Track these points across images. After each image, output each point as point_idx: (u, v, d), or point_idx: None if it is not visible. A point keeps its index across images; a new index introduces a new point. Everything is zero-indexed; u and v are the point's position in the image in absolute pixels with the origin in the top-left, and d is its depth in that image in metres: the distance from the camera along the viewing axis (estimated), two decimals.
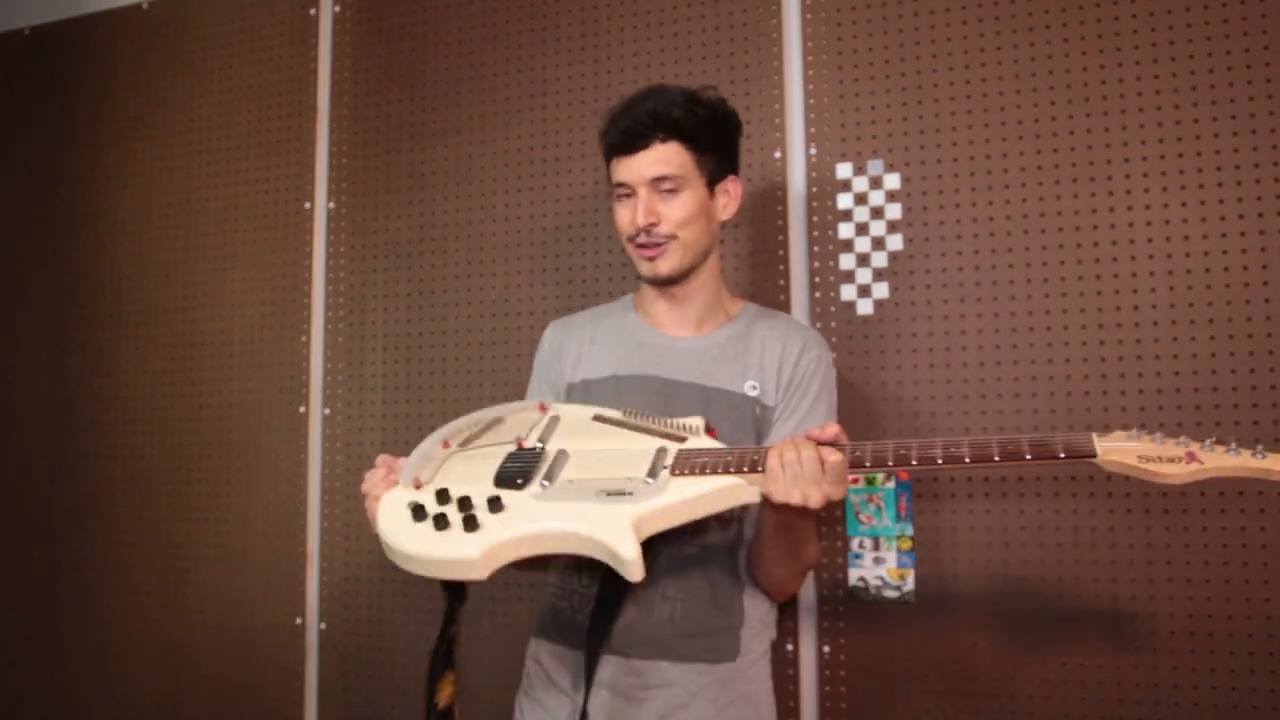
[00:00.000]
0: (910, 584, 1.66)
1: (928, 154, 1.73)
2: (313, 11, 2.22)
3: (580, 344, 1.52)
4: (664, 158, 1.39)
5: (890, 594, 1.67)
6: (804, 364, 1.44)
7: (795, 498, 1.16)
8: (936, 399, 1.68)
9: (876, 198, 1.75)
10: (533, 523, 1.21)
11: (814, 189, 1.79)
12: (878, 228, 1.75)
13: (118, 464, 2.29)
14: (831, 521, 1.71)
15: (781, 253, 1.80)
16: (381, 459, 1.36)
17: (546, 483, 1.26)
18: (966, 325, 1.68)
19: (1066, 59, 1.66)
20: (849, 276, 1.76)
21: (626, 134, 1.40)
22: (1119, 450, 1.08)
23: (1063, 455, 1.10)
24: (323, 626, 2.07)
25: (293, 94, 2.22)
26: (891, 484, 1.68)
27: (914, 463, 1.16)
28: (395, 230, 2.10)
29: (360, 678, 2.03)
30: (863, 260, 1.75)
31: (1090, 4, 1.65)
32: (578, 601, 1.42)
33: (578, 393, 1.48)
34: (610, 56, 1.95)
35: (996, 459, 1.12)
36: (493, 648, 1.91)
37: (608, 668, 1.36)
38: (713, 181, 1.44)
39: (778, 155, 1.82)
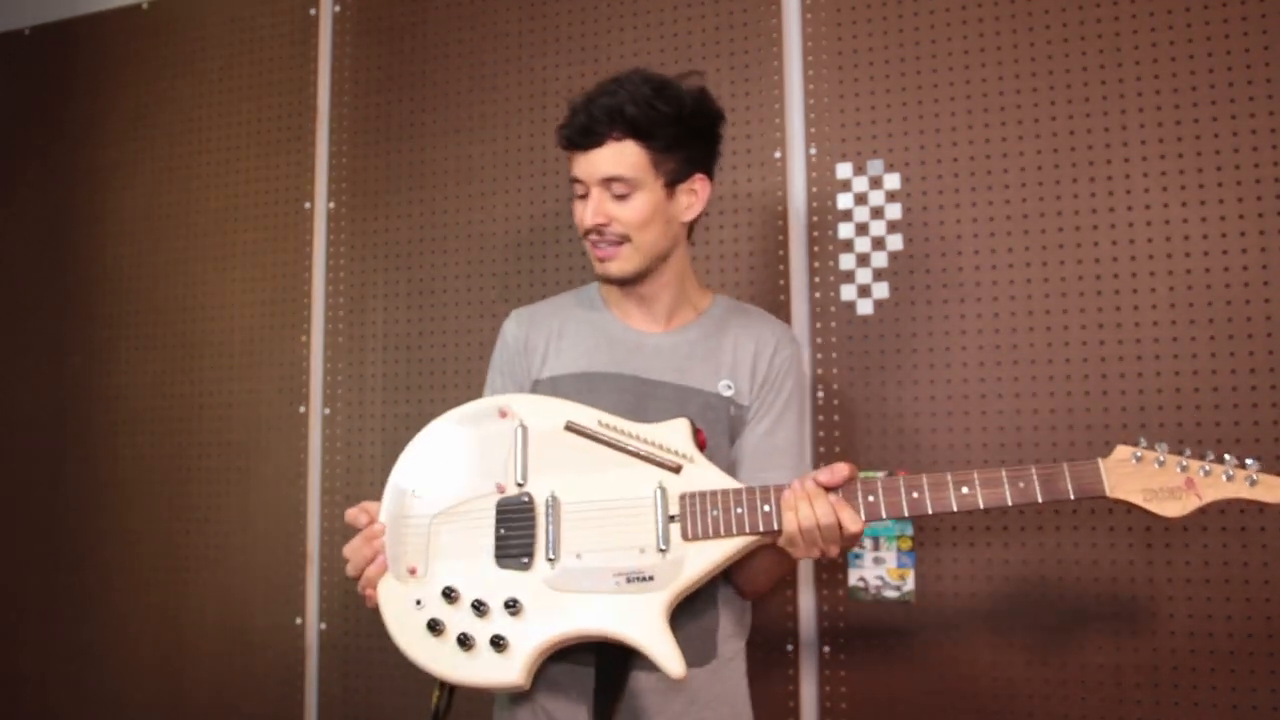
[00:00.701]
0: (910, 584, 1.66)
1: (928, 154, 1.73)
2: (313, 11, 2.22)
3: (547, 338, 1.45)
4: (617, 157, 1.33)
5: (890, 594, 1.67)
6: (778, 362, 1.41)
7: (815, 555, 1.21)
8: (936, 399, 1.68)
9: (876, 198, 1.75)
10: (559, 625, 1.21)
11: (814, 189, 1.79)
12: (878, 228, 1.75)
13: (118, 464, 2.29)
14: None
15: (781, 252, 1.80)
16: (352, 517, 1.31)
17: (552, 557, 1.24)
18: (966, 325, 1.68)
19: (1066, 59, 1.66)
20: (849, 276, 1.76)
21: (581, 130, 1.33)
22: (1124, 486, 1.15)
23: (1073, 495, 1.16)
24: (323, 626, 2.07)
25: (293, 94, 2.22)
26: None
27: (929, 510, 1.19)
28: (395, 230, 2.10)
29: (360, 678, 2.03)
30: (863, 260, 1.75)
31: (1090, 4, 1.65)
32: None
33: (545, 389, 1.41)
34: (610, 56, 1.95)
35: (1009, 503, 1.18)
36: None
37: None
38: (674, 182, 1.36)
39: (778, 155, 1.82)
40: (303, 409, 2.13)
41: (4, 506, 2.42)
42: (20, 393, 2.43)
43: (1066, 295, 1.63)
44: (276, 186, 2.21)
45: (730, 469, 1.35)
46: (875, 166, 1.76)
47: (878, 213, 1.75)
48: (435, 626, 1.22)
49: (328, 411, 2.11)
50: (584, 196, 1.37)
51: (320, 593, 2.08)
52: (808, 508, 1.18)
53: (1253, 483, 1.12)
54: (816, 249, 1.78)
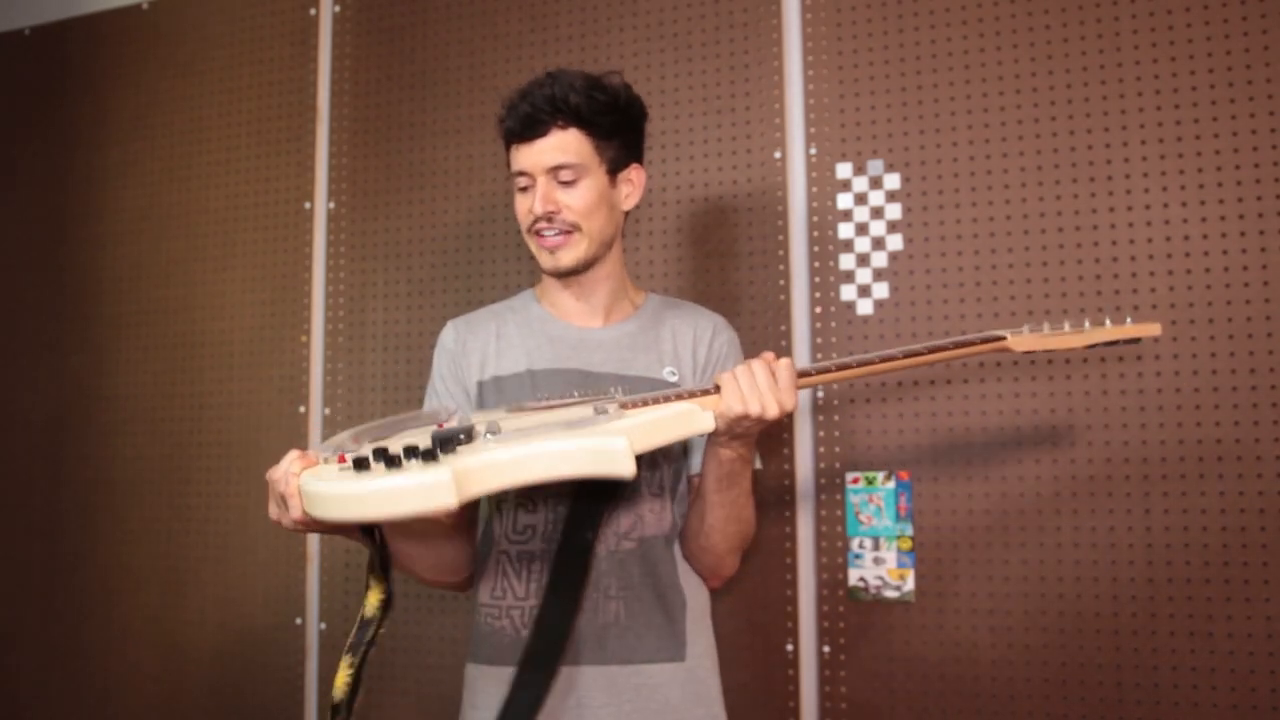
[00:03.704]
0: (910, 584, 1.66)
1: (928, 154, 1.73)
2: (313, 11, 2.22)
3: (485, 341, 1.45)
4: (563, 145, 1.35)
5: (890, 594, 1.67)
6: (717, 347, 1.45)
7: (754, 408, 1.19)
8: (936, 399, 1.68)
9: (876, 198, 1.75)
10: (501, 451, 1.08)
11: (814, 189, 1.79)
12: (878, 228, 1.75)
13: (118, 464, 2.29)
14: (832, 521, 1.71)
15: (781, 253, 1.80)
16: (289, 460, 1.18)
17: (493, 435, 1.14)
18: (966, 325, 1.68)
19: (1066, 59, 1.66)
20: (849, 276, 1.76)
21: (525, 120, 1.35)
22: (1024, 343, 1.23)
23: (979, 343, 1.23)
24: (323, 626, 2.07)
25: (293, 94, 2.22)
26: (892, 484, 1.69)
27: (854, 366, 1.23)
28: (395, 230, 2.10)
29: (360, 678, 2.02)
30: (863, 260, 1.75)
31: (1090, 4, 1.66)
32: (519, 618, 1.36)
33: (489, 390, 1.41)
34: (610, 56, 1.95)
35: (925, 358, 1.22)
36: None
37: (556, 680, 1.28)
38: (614, 170, 1.40)
39: (778, 155, 1.82)
40: (303, 409, 2.13)
41: (4, 506, 2.42)
42: (20, 393, 2.43)
43: (1066, 295, 1.63)
44: (276, 186, 2.22)
45: (682, 452, 1.40)
46: (875, 166, 1.76)
47: (878, 213, 1.75)
48: (360, 464, 1.06)
49: (328, 411, 2.11)
50: (526, 189, 1.39)
51: (320, 593, 2.08)
52: (743, 368, 1.21)
53: (1130, 323, 1.24)
54: (816, 249, 1.78)
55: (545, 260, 1.40)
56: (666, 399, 1.21)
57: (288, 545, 2.11)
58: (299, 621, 2.09)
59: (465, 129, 2.06)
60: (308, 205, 2.18)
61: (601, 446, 1.09)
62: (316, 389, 2.13)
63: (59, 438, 2.37)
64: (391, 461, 1.05)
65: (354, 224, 2.14)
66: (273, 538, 2.13)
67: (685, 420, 1.21)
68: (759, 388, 1.19)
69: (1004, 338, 1.22)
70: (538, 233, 1.38)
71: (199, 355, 2.25)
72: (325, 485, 1.07)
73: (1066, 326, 1.23)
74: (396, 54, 2.13)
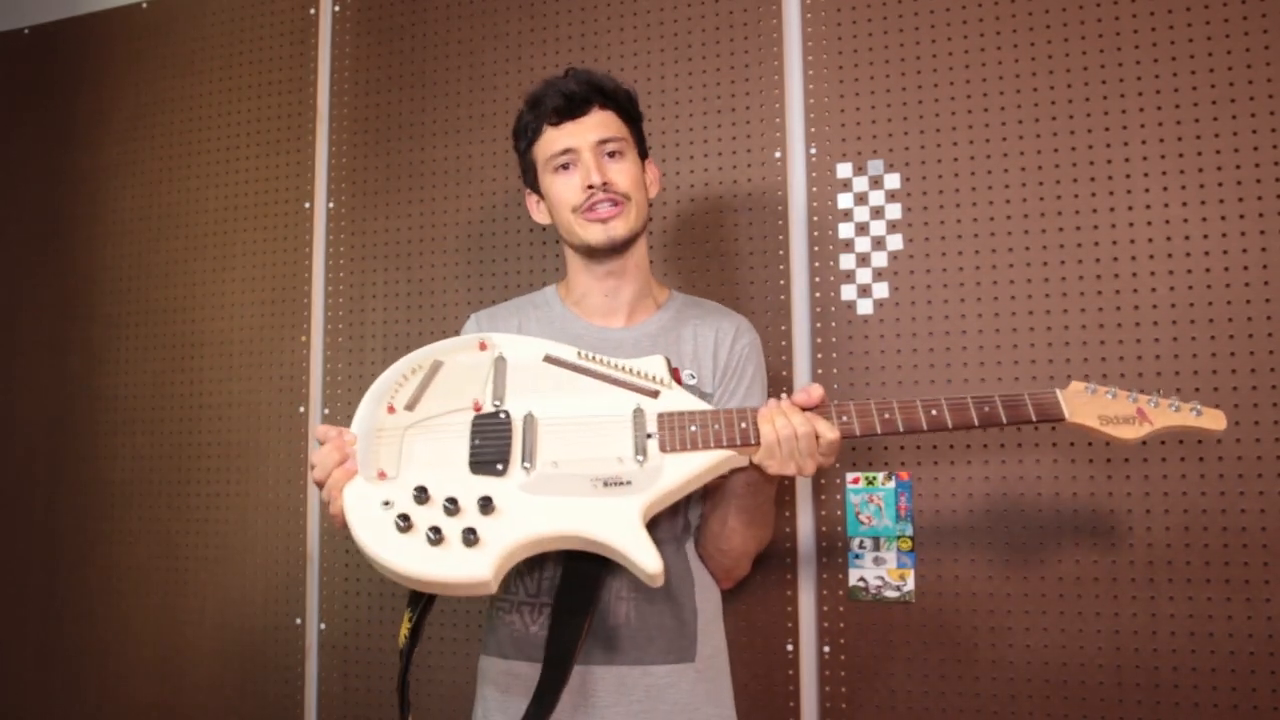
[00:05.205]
0: (910, 584, 1.66)
1: (928, 154, 1.73)
2: (313, 11, 2.22)
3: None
4: (606, 122, 1.42)
5: (890, 594, 1.67)
6: (738, 349, 1.46)
7: (791, 470, 1.21)
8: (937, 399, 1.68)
9: (876, 198, 1.75)
10: (534, 525, 1.17)
11: (814, 189, 1.79)
12: (878, 228, 1.75)
13: (118, 464, 2.29)
14: (832, 521, 1.71)
15: (782, 253, 1.80)
16: (323, 431, 1.28)
17: (528, 465, 1.22)
18: (966, 325, 1.68)
19: (1066, 59, 1.66)
20: (849, 276, 1.76)
21: (570, 98, 1.40)
22: (1082, 412, 1.21)
23: (1035, 419, 1.21)
24: (323, 626, 2.07)
25: (293, 94, 2.22)
26: (892, 484, 1.68)
27: (900, 430, 1.22)
28: (395, 230, 2.10)
29: (360, 678, 2.03)
30: (863, 260, 1.75)
31: (1090, 4, 1.65)
32: (529, 614, 1.37)
33: None
34: (610, 56, 1.95)
35: (976, 424, 1.21)
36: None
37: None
38: (642, 155, 1.48)
39: (778, 155, 1.82)
40: (303, 409, 2.13)
41: (4, 506, 2.42)
42: (20, 393, 2.43)
43: (1067, 295, 1.63)
44: (276, 186, 2.21)
45: None
46: (875, 166, 1.76)
47: (878, 213, 1.75)
48: (404, 522, 1.16)
49: (327, 411, 2.11)
50: (569, 167, 1.41)
51: (320, 593, 2.08)
52: (784, 419, 1.20)
53: (1198, 413, 1.20)
54: (816, 249, 1.78)
55: (598, 234, 1.40)
56: (704, 424, 1.23)
57: (288, 545, 2.11)
58: (299, 621, 2.09)
59: (465, 129, 2.05)
60: (308, 205, 2.18)
61: (643, 565, 1.15)
62: (316, 389, 2.13)
63: (59, 438, 2.37)
64: (434, 536, 1.15)
65: (354, 224, 2.14)
66: (273, 538, 2.13)
67: (723, 466, 1.24)
68: (800, 452, 1.20)
69: (1062, 418, 1.21)
70: (590, 208, 1.40)
71: (199, 355, 2.25)
72: (371, 542, 1.17)
73: (1131, 398, 1.21)
74: (396, 54, 2.13)
